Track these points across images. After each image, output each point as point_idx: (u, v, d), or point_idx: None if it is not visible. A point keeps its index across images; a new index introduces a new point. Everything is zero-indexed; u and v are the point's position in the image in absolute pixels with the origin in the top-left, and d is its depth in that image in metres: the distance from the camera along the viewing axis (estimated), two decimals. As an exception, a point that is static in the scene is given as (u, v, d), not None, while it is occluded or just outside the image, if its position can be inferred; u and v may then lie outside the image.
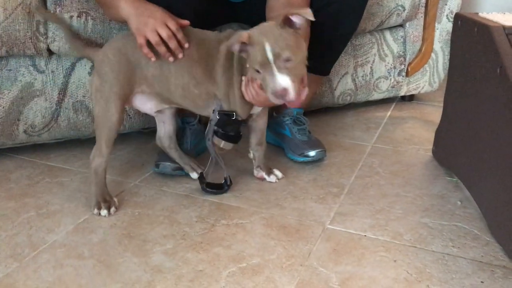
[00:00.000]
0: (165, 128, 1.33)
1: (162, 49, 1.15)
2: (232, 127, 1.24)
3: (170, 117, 1.32)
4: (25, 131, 1.45)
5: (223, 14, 1.48)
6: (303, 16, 1.08)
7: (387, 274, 1.01)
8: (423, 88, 1.97)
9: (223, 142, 1.26)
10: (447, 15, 1.89)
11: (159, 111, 1.32)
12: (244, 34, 1.09)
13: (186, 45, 1.17)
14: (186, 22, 1.19)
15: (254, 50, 1.08)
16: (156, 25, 1.14)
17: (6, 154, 1.50)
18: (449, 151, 1.41)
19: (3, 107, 1.40)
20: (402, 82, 1.91)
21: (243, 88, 1.18)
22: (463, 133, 1.32)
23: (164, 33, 1.14)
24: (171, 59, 1.17)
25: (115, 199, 1.25)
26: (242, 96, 1.20)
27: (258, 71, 1.09)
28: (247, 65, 1.13)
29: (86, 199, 1.27)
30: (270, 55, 1.06)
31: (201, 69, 1.20)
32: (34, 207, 1.25)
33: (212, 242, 1.11)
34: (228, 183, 1.31)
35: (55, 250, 1.08)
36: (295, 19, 1.09)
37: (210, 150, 1.28)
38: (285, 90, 1.06)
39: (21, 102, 1.41)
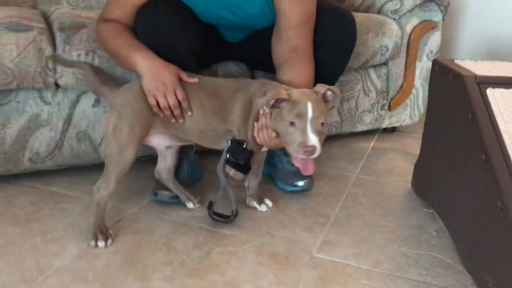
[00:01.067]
0: (165, 163, 1.42)
1: (167, 113, 1.26)
2: (243, 156, 1.31)
3: (173, 153, 1.41)
4: (30, 159, 1.53)
5: (220, 54, 1.59)
6: (335, 93, 1.24)
7: (368, 300, 1.11)
8: (404, 121, 2.10)
9: (233, 170, 1.33)
10: (427, 55, 2.03)
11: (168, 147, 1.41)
12: (283, 92, 1.20)
13: (190, 113, 1.27)
14: (195, 80, 1.29)
15: (292, 106, 1.18)
16: (166, 92, 1.24)
17: (11, 181, 1.57)
18: (426, 184, 1.53)
19: (11, 136, 1.48)
20: (384, 115, 2.03)
21: (255, 133, 1.27)
22: (438, 168, 1.44)
23: (172, 102, 1.24)
24: (173, 121, 1.28)
25: (111, 231, 1.30)
26: (254, 138, 1.29)
27: (292, 123, 1.18)
28: (273, 118, 1.22)
29: (88, 225, 1.35)
30: (310, 113, 1.17)
31: (216, 118, 1.29)
32: (39, 233, 1.33)
33: (207, 269, 1.20)
34: (235, 213, 1.37)
35: (62, 275, 1.16)
36: (329, 92, 1.24)
37: (221, 179, 1.34)
38: (314, 148, 1.16)
39: (28, 131, 1.50)
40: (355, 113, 1.96)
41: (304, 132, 1.17)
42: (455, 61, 1.46)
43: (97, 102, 1.55)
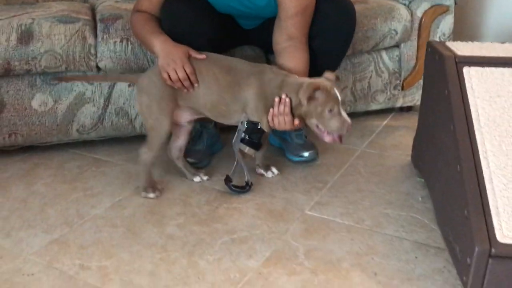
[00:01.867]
0: (177, 142, 1.63)
1: (178, 85, 1.48)
2: (257, 135, 1.52)
3: (186, 134, 1.62)
4: (77, 130, 1.83)
5: (236, 39, 1.80)
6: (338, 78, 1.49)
7: (343, 248, 1.31)
8: (418, 100, 2.22)
9: (247, 148, 1.53)
10: (439, 37, 2.14)
11: (188, 122, 1.62)
12: (316, 84, 1.40)
13: (196, 85, 1.48)
14: (202, 56, 1.50)
15: (326, 95, 1.40)
16: (176, 67, 1.46)
17: (62, 148, 1.88)
18: (419, 155, 1.68)
19: (62, 111, 1.79)
20: (398, 95, 2.17)
21: (269, 117, 1.47)
22: (428, 141, 1.58)
23: (181, 75, 1.46)
24: (185, 91, 1.49)
25: (159, 186, 1.57)
26: (267, 122, 1.49)
27: (330, 110, 1.40)
28: (307, 109, 1.42)
29: (121, 185, 1.63)
30: (339, 99, 1.41)
31: (229, 94, 1.49)
32: (82, 190, 1.62)
33: (213, 220, 1.44)
34: (250, 184, 1.59)
35: (96, 220, 1.44)
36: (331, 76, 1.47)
37: (236, 155, 1.55)
38: (350, 125, 1.41)
39: (75, 107, 1.79)
40: (368, 92, 2.11)
41: (340, 115, 1.41)
42: (446, 43, 1.59)
43: (138, 90, 1.81)
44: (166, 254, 1.29)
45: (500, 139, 1.26)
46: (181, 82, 1.48)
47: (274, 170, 1.69)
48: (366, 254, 1.28)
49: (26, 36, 1.66)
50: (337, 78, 1.48)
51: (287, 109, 1.43)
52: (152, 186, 1.56)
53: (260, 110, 1.48)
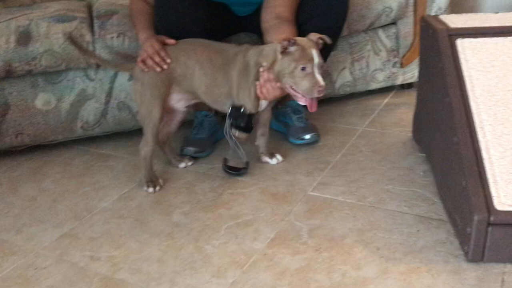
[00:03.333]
0: (167, 128, 1.66)
1: (149, 62, 1.52)
2: (243, 119, 1.55)
3: (177, 121, 1.66)
4: (81, 127, 1.86)
5: (231, 27, 1.82)
6: (325, 40, 1.45)
7: (346, 225, 1.33)
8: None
9: (237, 132, 1.56)
10: (436, 12, 2.13)
11: (185, 107, 1.66)
12: (293, 38, 1.41)
13: (168, 60, 1.52)
14: (171, 41, 1.54)
15: (301, 52, 1.39)
16: (146, 48, 1.53)
17: (68, 146, 1.92)
18: (419, 131, 1.69)
19: (65, 109, 1.82)
20: (397, 72, 2.17)
21: (258, 90, 1.50)
22: (426, 116, 1.59)
23: (150, 51, 1.51)
24: (158, 69, 1.52)
25: (161, 180, 1.60)
26: (255, 95, 1.52)
27: (303, 68, 1.39)
28: (281, 66, 1.42)
29: (127, 177, 1.67)
30: (316, 58, 1.39)
31: (221, 74, 1.53)
32: (89, 184, 1.65)
33: (218, 205, 1.47)
34: (246, 167, 1.62)
35: (104, 213, 1.48)
36: (319, 40, 1.45)
37: (228, 140, 1.58)
38: (324, 87, 1.39)
39: (78, 104, 1.83)
40: (367, 72, 2.12)
41: (314, 75, 1.39)
42: (440, 16, 1.59)
43: (131, 76, 1.84)
44: (173, 241, 1.32)
45: (495, 109, 1.26)
46: (152, 59, 1.51)
47: (279, 157, 1.71)
48: (368, 230, 1.30)
49: (24, 38, 1.69)
50: (320, 39, 1.45)
51: (271, 75, 1.45)
52: (152, 180, 1.58)
53: (243, 87, 1.50)
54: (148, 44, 1.53)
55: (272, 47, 1.46)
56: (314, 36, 1.45)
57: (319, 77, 1.39)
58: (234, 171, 1.62)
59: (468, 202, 1.14)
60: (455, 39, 1.40)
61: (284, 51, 1.41)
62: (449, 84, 1.31)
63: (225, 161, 1.63)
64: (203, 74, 1.53)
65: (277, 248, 1.26)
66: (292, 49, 1.40)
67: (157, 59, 1.52)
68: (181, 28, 1.58)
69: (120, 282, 1.19)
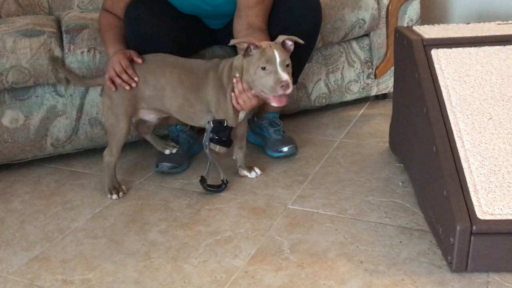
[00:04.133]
0: (147, 124, 1.66)
1: (117, 80, 1.50)
2: (224, 133, 1.52)
3: (154, 125, 1.67)
4: (52, 144, 1.79)
5: (205, 40, 1.80)
6: (296, 41, 1.44)
7: (328, 239, 1.30)
8: (392, 87, 2.23)
9: (218, 146, 1.53)
10: (407, 23, 2.16)
11: (159, 119, 1.64)
12: (253, 40, 1.40)
13: (136, 79, 1.51)
14: (139, 60, 1.52)
15: (261, 53, 1.38)
16: (113, 64, 1.50)
17: (38, 164, 1.85)
18: (396, 141, 1.69)
19: (34, 126, 1.75)
20: (372, 83, 2.18)
21: (234, 101, 1.47)
22: (403, 126, 1.59)
23: (117, 69, 1.49)
24: (127, 87, 1.50)
25: (123, 187, 1.60)
26: (233, 108, 1.49)
27: (263, 68, 1.38)
28: (246, 70, 1.41)
29: (101, 195, 1.61)
30: (277, 57, 1.38)
31: (194, 94, 1.51)
32: (60, 203, 1.59)
33: (196, 222, 1.43)
34: (225, 182, 1.58)
35: (77, 233, 1.42)
36: (289, 42, 1.44)
37: (208, 155, 1.55)
38: (287, 82, 1.37)
39: (47, 121, 1.76)
40: (342, 83, 2.12)
41: (276, 73, 1.38)
42: (413, 27, 1.60)
43: (103, 91, 1.79)
44: (150, 261, 1.27)
45: (472, 118, 1.27)
46: (120, 78, 1.50)
47: (257, 170, 1.68)
48: (351, 243, 1.28)
49: (-10, 53, 1.63)
50: (292, 42, 1.44)
51: (245, 84, 1.44)
52: (115, 187, 1.59)
53: (222, 103, 1.49)
54: (115, 60, 1.50)
55: (240, 57, 1.44)
56: (280, 38, 1.44)
57: (282, 74, 1.37)
58: (215, 188, 1.58)
59: (450, 212, 1.13)
60: (430, 49, 1.41)
61: (247, 54, 1.40)
62: (426, 94, 1.31)
63: (203, 179, 1.59)
64: (174, 96, 1.52)
65: (258, 265, 1.22)
66: (253, 52, 1.40)
67: (124, 77, 1.50)
68: (152, 41, 1.55)
69: (95, 307, 1.13)
